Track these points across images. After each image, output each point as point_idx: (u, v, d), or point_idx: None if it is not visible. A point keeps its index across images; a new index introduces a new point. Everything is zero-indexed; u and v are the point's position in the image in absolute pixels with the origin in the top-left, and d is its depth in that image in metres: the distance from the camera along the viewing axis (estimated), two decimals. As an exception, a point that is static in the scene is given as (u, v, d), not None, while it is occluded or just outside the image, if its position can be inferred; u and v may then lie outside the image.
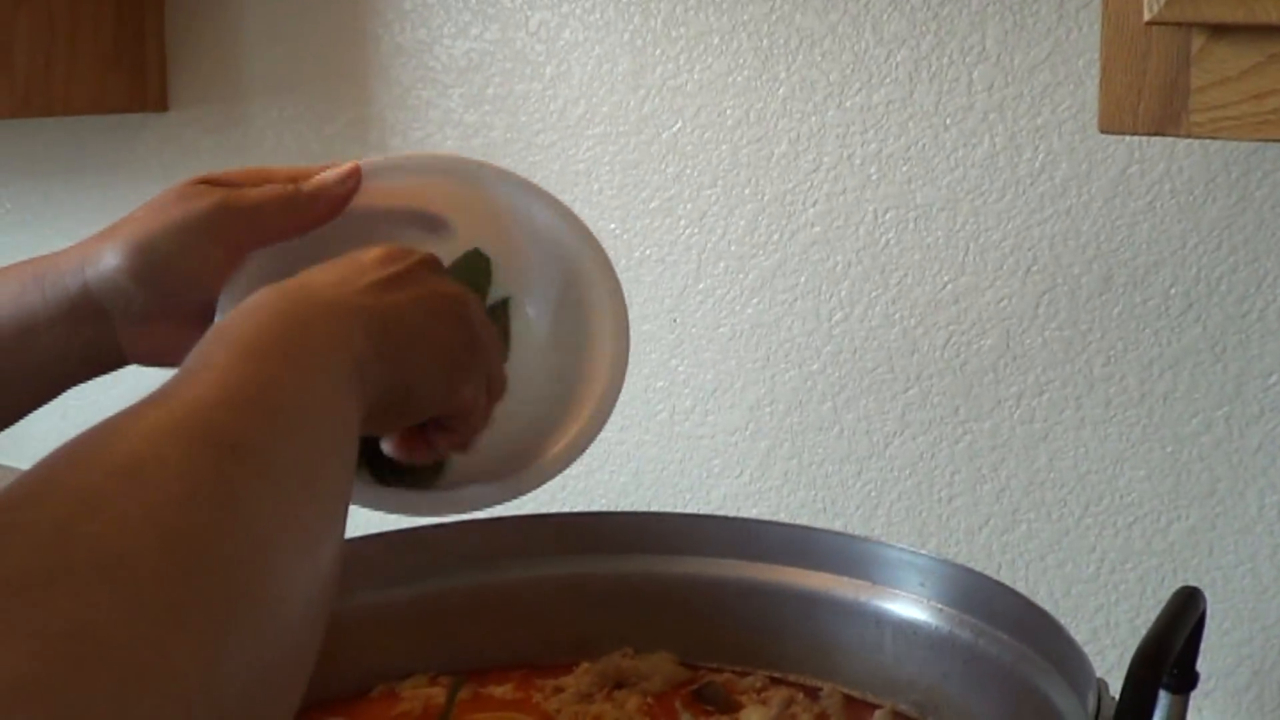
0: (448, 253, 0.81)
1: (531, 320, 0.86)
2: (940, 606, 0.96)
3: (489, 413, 0.77)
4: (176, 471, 0.47)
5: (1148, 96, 0.77)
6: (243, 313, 0.61)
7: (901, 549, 0.99)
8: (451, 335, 0.72)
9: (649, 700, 0.99)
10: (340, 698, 1.00)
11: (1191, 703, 1.09)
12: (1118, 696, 0.65)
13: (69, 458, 0.47)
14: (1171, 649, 0.67)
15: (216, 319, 0.74)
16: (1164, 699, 0.77)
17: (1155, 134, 0.78)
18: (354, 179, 0.79)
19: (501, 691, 1.01)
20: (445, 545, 1.04)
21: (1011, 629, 0.91)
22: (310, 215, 0.78)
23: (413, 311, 0.70)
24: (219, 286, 0.76)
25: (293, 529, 0.51)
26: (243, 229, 0.76)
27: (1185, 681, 0.76)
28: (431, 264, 0.75)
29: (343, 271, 0.69)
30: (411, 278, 0.71)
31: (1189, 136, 0.77)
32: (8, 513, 0.43)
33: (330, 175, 0.79)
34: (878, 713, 0.96)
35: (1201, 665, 1.08)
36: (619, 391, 0.84)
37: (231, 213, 0.76)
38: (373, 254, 0.72)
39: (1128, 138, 1.06)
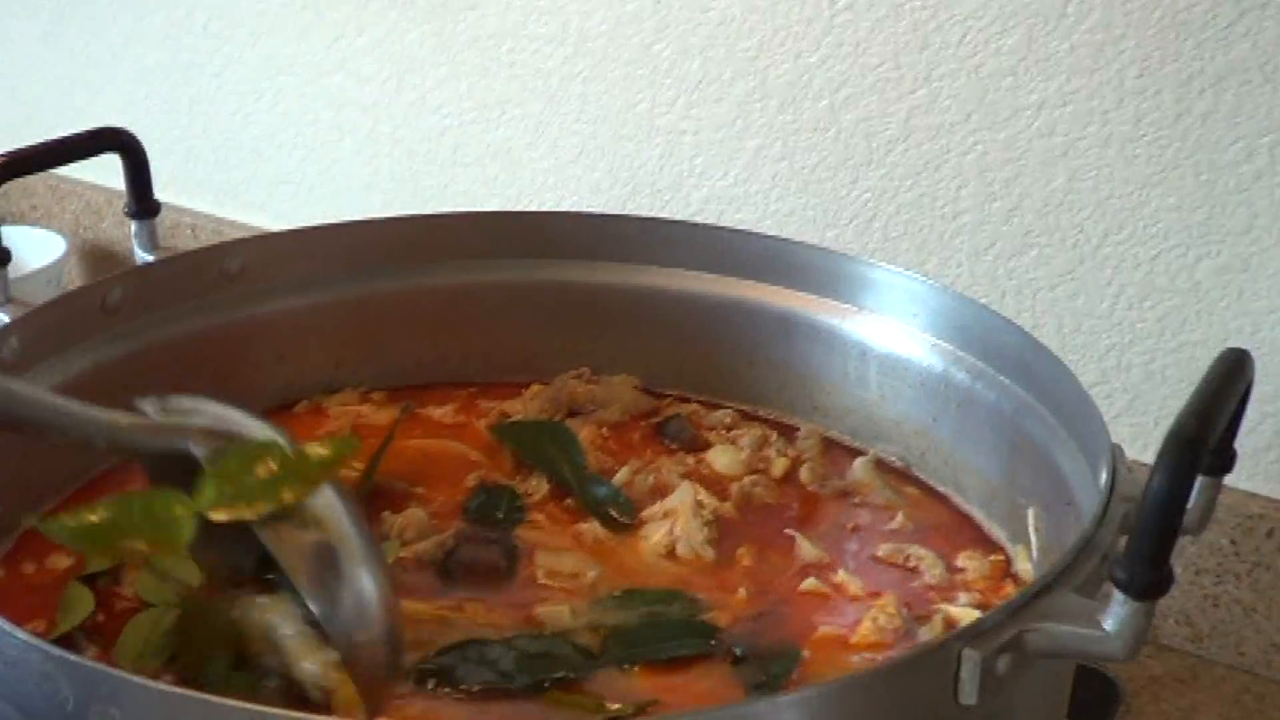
0: None
1: None
2: (935, 340, 0.87)
3: None
4: None
5: None
6: None
7: (894, 271, 0.89)
8: None
9: (604, 432, 0.90)
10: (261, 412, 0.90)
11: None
12: (1150, 477, 0.54)
13: None
14: (1216, 426, 0.56)
15: None
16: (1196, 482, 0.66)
17: None
18: None
19: (441, 414, 0.92)
20: (372, 242, 0.94)
21: (1016, 374, 0.81)
22: None
23: None
24: None
25: None
26: None
27: (1222, 462, 0.65)
28: None
29: None
30: None
31: None
32: None
33: None
34: (858, 461, 0.88)
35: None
36: None
37: None
38: None
39: None
